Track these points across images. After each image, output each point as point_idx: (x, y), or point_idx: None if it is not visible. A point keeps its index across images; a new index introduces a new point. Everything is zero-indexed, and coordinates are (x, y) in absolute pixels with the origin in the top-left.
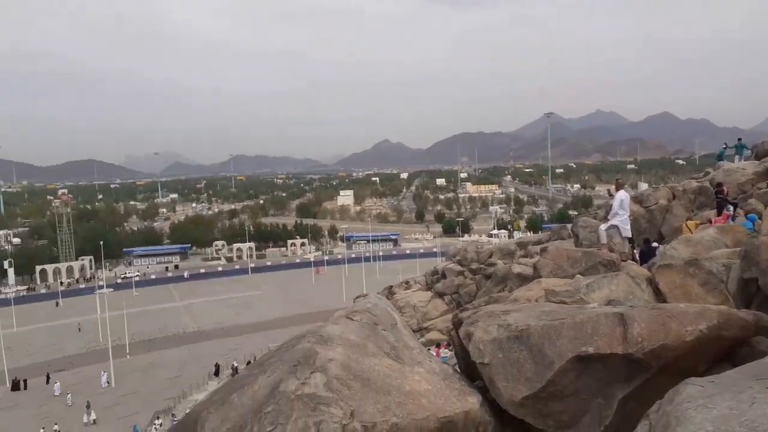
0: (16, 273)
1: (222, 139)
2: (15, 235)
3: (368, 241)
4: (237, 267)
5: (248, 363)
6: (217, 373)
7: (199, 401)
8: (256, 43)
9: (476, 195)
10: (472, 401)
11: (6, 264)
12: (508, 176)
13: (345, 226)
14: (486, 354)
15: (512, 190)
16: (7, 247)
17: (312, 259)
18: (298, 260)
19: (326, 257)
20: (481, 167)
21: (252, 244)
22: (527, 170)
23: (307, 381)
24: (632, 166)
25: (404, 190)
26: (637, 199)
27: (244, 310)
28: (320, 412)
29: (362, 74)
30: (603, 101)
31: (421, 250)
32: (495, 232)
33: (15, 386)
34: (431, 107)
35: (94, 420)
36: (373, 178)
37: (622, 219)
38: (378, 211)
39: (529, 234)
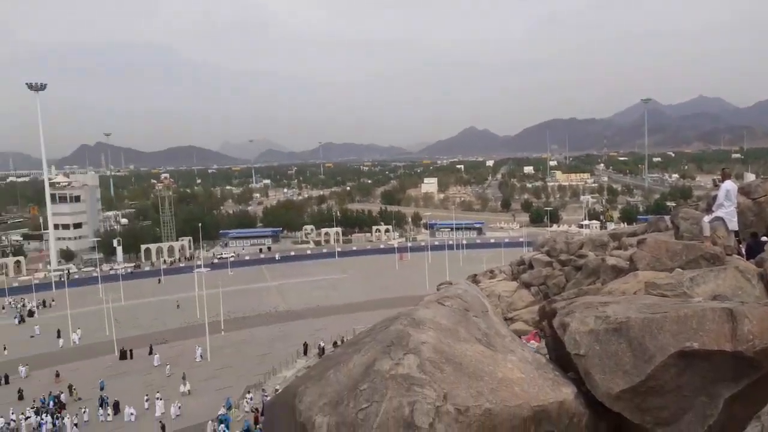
0: (124, 251)
1: (312, 127)
2: (123, 216)
3: (452, 228)
4: (324, 251)
5: (334, 343)
6: (305, 352)
7: (288, 377)
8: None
9: (566, 184)
10: (567, 392)
11: (115, 243)
12: (601, 165)
13: (428, 214)
14: (582, 345)
15: (605, 179)
16: (116, 227)
17: (396, 246)
18: (382, 246)
19: (410, 244)
20: (572, 155)
21: (339, 229)
22: (622, 159)
23: (401, 362)
24: (738, 155)
25: (490, 177)
26: (744, 191)
27: (330, 292)
28: (414, 393)
29: (448, 60)
30: (707, 86)
31: (506, 240)
32: (586, 222)
33: (122, 355)
34: (520, 92)
35: (188, 390)
36: (458, 166)
37: (728, 211)
38: (462, 198)
39: (622, 225)
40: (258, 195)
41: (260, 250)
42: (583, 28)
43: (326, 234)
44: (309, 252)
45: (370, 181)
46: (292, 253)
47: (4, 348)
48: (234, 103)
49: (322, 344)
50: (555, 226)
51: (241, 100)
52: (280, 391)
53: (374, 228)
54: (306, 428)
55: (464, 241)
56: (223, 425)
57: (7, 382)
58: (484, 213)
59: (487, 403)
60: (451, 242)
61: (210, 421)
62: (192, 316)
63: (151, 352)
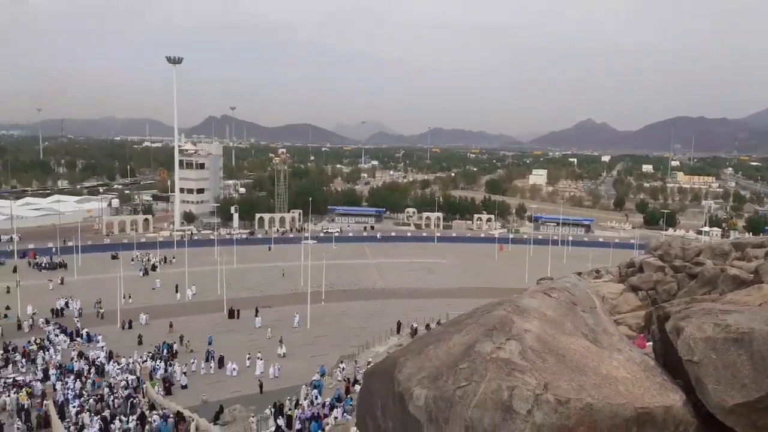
0: (240, 218)
1: (422, 112)
2: (241, 185)
3: (558, 223)
4: (424, 234)
5: (427, 326)
6: (398, 331)
7: (381, 353)
8: (465, 18)
9: (687, 186)
10: (674, 398)
11: (232, 209)
12: (730, 168)
13: (534, 206)
14: (696, 351)
15: (732, 184)
16: (234, 195)
17: (496, 236)
18: (482, 235)
19: (511, 235)
20: (698, 156)
21: (440, 215)
22: (754, 163)
23: (503, 346)
24: None
25: (604, 173)
26: None
27: (427, 275)
28: (514, 378)
29: (569, 49)
30: None
31: (616, 240)
32: (706, 229)
33: (230, 314)
34: (645, 86)
35: (284, 353)
36: (571, 159)
37: None
38: (572, 193)
39: (747, 235)
40: (365, 175)
41: (364, 228)
42: (726, 24)
43: (427, 218)
44: (409, 234)
45: (475, 169)
46: (393, 234)
47: (129, 296)
48: (350, 85)
49: (415, 325)
50: (671, 230)
51: (356, 83)
52: (380, 360)
53: (476, 216)
54: (404, 398)
55: (570, 238)
56: (316, 390)
57: (130, 327)
58: (594, 210)
59: (588, 398)
60: (555, 237)
61: (304, 385)
62: (296, 284)
63: (256, 314)
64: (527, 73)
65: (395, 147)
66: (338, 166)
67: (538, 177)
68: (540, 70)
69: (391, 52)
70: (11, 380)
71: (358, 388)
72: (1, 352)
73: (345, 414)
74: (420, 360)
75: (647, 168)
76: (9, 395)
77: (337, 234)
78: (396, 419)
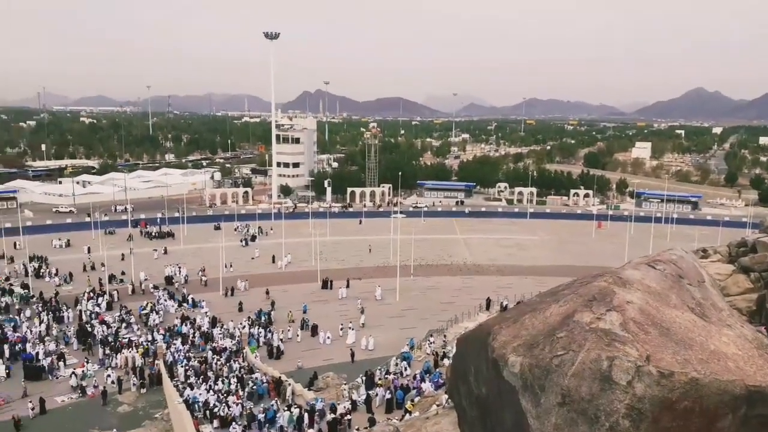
0: (333, 192)
1: (517, 82)
2: (334, 160)
3: (662, 200)
4: (516, 210)
5: (518, 303)
6: (487, 308)
7: (469, 328)
8: None
9: None
10: None
11: (326, 183)
12: None
13: (637, 181)
14: None
15: None
16: (327, 169)
17: (594, 212)
18: (579, 211)
19: (610, 212)
20: None
21: (533, 189)
22: None
23: (603, 317)
24: None
25: (715, 146)
26: None
27: (517, 252)
28: (615, 349)
29: (679, 8)
30: None
31: (726, 218)
32: None
33: (324, 285)
34: (765, 50)
35: (362, 324)
36: (678, 131)
37: None
38: (678, 168)
39: None
40: (456, 148)
41: (456, 203)
42: None
43: (519, 193)
44: (500, 210)
45: (573, 141)
46: (483, 209)
47: (230, 265)
48: (441, 56)
49: (506, 302)
50: None
51: (448, 53)
52: (474, 327)
53: (572, 191)
54: (498, 365)
55: (675, 215)
56: (405, 362)
57: (232, 294)
58: (702, 186)
59: (694, 372)
60: (659, 214)
61: (393, 357)
62: (385, 257)
63: (347, 286)
64: (632, 39)
65: (487, 119)
66: (428, 139)
67: (642, 150)
68: (645, 35)
69: (483, 17)
70: (127, 340)
71: (446, 362)
72: (119, 314)
73: (433, 387)
74: (515, 328)
75: (765, 140)
76: (126, 354)
77: (426, 208)
78: (490, 385)
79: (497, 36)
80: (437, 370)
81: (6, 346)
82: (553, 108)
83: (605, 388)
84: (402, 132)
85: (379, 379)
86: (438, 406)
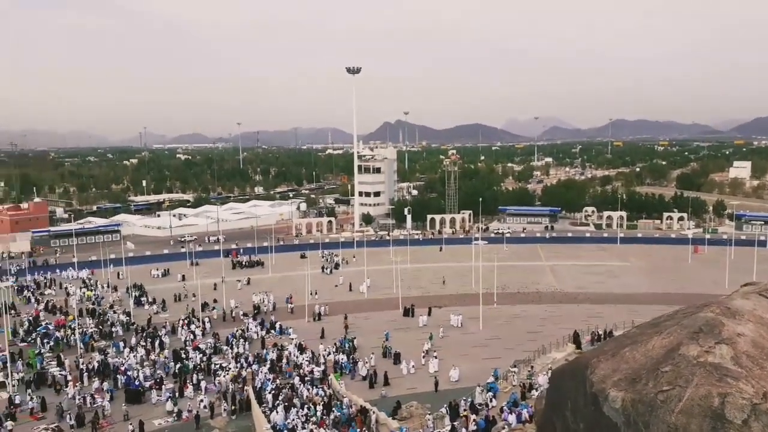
0: (412, 219)
1: (601, 103)
2: (414, 188)
3: (765, 222)
4: (605, 235)
5: (609, 333)
6: (575, 343)
7: (558, 360)
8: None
9: None
10: None
11: (406, 211)
12: None
13: (736, 203)
14: None
15: None
16: (407, 197)
17: (690, 236)
18: (673, 235)
19: (708, 236)
20: None
21: (623, 213)
22: None
23: (711, 350)
24: None
25: None
26: None
27: (608, 279)
28: (727, 385)
29: None
30: None
31: None
32: None
33: (405, 312)
34: None
35: (426, 351)
36: None
37: None
38: None
39: None
40: (538, 173)
41: (545, 228)
42: None
43: (608, 217)
44: (588, 234)
45: (664, 162)
46: (570, 234)
47: (315, 293)
48: (521, 80)
49: (599, 332)
50: None
51: (527, 77)
52: (569, 361)
53: (665, 215)
54: (598, 399)
55: None
56: (490, 393)
57: (319, 319)
58: None
59: None
60: (762, 237)
61: (478, 386)
62: (467, 284)
63: (430, 313)
64: (725, 52)
65: (571, 142)
66: (509, 164)
67: (741, 170)
68: (739, 46)
69: (564, 41)
70: (218, 366)
71: (534, 394)
72: (211, 340)
73: (520, 421)
74: (615, 361)
75: None
76: (218, 379)
77: (508, 234)
78: (588, 420)
79: (580, 58)
80: (524, 401)
81: (109, 371)
82: (641, 129)
83: (717, 427)
84: (482, 158)
85: (464, 410)
86: None
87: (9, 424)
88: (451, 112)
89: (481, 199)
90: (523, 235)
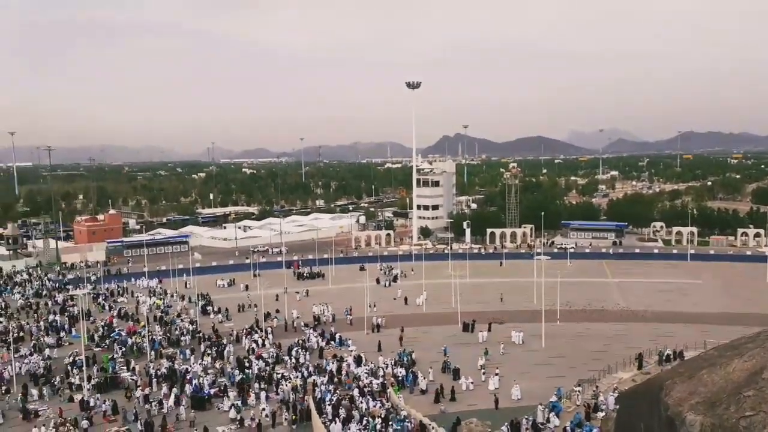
0: (471, 233)
1: (670, 114)
2: (473, 201)
3: None
4: (675, 251)
5: (680, 353)
6: (639, 366)
7: (625, 380)
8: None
9: None
10: None
11: (465, 225)
12: None
13: None
14: None
15: None
16: (466, 211)
17: (767, 253)
18: (748, 252)
19: None
20: None
21: (694, 229)
22: None
23: None
24: None
25: None
26: None
27: (678, 297)
28: None
29: None
30: None
31: None
32: None
33: (465, 327)
34: None
35: (480, 366)
36: None
37: None
38: None
39: None
40: (603, 187)
41: (613, 243)
42: None
43: (678, 233)
44: (656, 251)
45: (738, 176)
46: (637, 251)
47: (374, 305)
48: (584, 91)
49: (668, 351)
50: None
51: (591, 88)
52: (640, 382)
53: (740, 231)
54: (674, 423)
55: None
56: (553, 413)
57: (378, 330)
58: None
59: None
60: None
61: (540, 405)
62: (528, 300)
63: (489, 329)
64: None
65: (638, 155)
66: (573, 178)
67: None
68: None
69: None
70: (280, 375)
71: (600, 414)
72: (274, 350)
73: None
74: (692, 384)
75: None
76: (280, 388)
77: (572, 250)
78: None
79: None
80: (588, 422)
81: (177, 377)
82: (712, 141)
83: None
84: (544, 171)
85: (526, 429)
86: None
87: (85, 423)
88: (511, 125)
89: (543, 213)
90: (587, 250)
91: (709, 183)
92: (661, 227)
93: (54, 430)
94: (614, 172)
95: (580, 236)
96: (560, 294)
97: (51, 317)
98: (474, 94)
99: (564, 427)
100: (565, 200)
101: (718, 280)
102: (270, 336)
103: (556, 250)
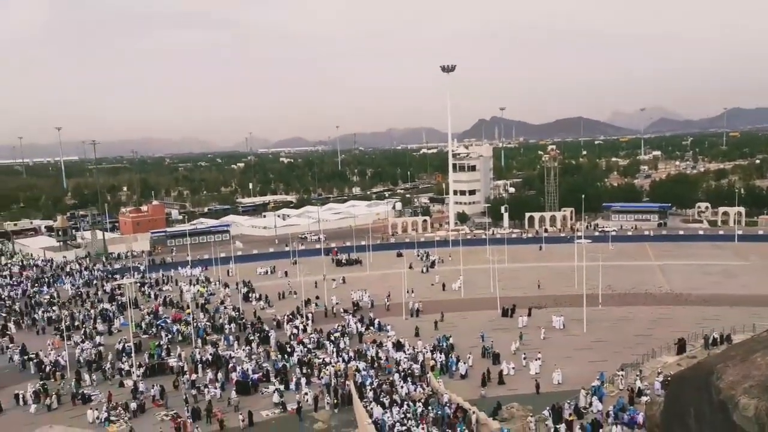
0: (510, 217)
1: (714, 91)
2: (511, 185)
3: None
4: (721, 232)
5: (727, 336)
6: (679, 350)
7: (669, 364)
8: None
9: None
10: None
11: (503, 209)
12: None
13: None
14: None
15: None
16: (504, 195)
17: None
18: None
19: None
20: None
21: (741, 209)
22: None
23: None
24: None
25: None
26: None
27: (725, 279)
28: None
29: None
30: None
31: None
32: None
33: (504, 313)
34: None
35: (514, 350)
36: None
37: None
38: None
39: None
40: (646, 167)
41: (659, 224)
42: None
43: (724, 213)
44: (701, 232)
45: None
46: (681, 232)
47: (412, 291)
48: (625, 70)
49: (715, 335)
50: None
51: (632, 65)
52: (690, 366)
53: None
54: (726, 407)
55: None
56: (596, 397)
57: (417, 315)
58: None
59: None
60: None
61: (582, 390)
62: (569, 285)
63: (529, 314)
64: None
65: (681, 134)
66: (614, 159)
67: None
68: None
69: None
70: (321, 360)
71: (644, 399)
72: (314, 335)
73: (626, 428)
74: (744, 367)
75: None
76: (322, 373)
77: (614, 232)
78: (716, 429)
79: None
80: (632, 407)
81: (221, 363)
82: (761, 117)
83: None
84: (584, 152)
85: (569, 413)
86: None
87: (134, 405)
88: (549, 106)
89: (583, 195)
90: (629, 233)
91: (758, 161)
92: (707, 208)
93: (106, 413)
94: (657, 152)
95: (622, 219)
96: (602, 278)
97: (101, 306)
98: (510, 76)
99: (607, 412)
100: (606, 182)
101: None
102: (311, 322)
103: (597, 233)
